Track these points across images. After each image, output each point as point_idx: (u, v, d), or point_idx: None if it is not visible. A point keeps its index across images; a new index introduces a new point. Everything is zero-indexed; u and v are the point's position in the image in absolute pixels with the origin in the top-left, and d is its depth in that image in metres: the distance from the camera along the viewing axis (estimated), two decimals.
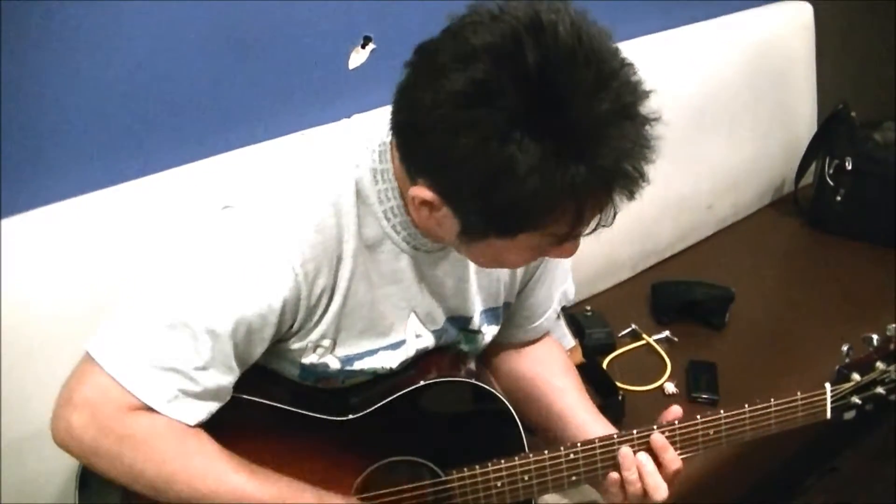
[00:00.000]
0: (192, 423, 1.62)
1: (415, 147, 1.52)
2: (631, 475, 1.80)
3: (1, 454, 1.95)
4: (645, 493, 1.80)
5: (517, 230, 1.49)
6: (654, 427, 1.82)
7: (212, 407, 1.65)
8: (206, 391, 1.62)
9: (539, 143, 1.36)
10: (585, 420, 2.00)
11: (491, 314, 1.98)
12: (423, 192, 1.51)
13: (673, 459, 1.80)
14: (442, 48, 1.43)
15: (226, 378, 1.64)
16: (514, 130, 1.35)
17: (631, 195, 1.44)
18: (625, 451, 1.81)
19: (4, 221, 1.97)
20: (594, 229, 1.54)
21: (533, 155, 1.36)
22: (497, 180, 1.39)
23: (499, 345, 2.14)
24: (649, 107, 1.43)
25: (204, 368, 1.60)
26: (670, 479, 1.81)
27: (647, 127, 1.43)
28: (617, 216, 1.51)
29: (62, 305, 1.97)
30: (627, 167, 1.40)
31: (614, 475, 1.81)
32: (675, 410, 1.86)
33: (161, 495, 1.62)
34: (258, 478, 1.64)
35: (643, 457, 1.80)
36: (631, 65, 1.43)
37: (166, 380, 1.58)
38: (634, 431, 1.82)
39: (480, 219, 1.49)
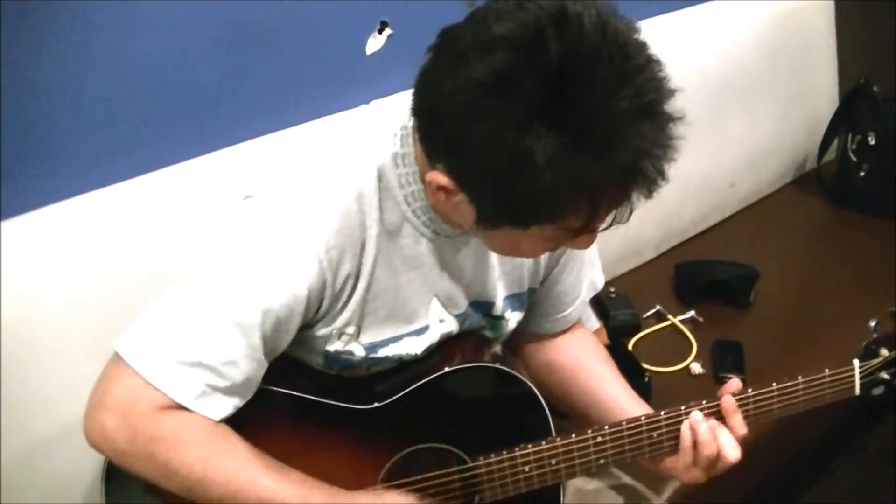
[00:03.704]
0: (219, 419, 1.63)
1: (433, 132, 1.51)
2: (706, 437, 1.79)
3: (1, 455, 1.95)
4: (718, 455, 1.79)
5: (530, 221, 1.48)
6: (682, 408, 1.81)
7: (238, 402, 1.65)
8: (234, 385, 1.62)
9: (556, 136, 1.34)
10: (629, 406, 2.00)
11: (515, 299, 1.97)
12: (439, 177, 1.51)
13: (740, 424, 1.81)
14: (464, 35, 1.42)
15: (254, 371, 1.64)
16: (532, 122, 1.34)
17: (649, 194, 1.43)
18: (696, 416, 1.80)
19: (5, 223, 1.95)
20: (609, 225, 1.54)
21: (549, 147, 1.34)
22: (512, 170, 1.38)
23: (531, 335, 2.14)
24: (673, 105, 1.41)
25: (232, 362, 1.60)
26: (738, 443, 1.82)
27: (670, 125, 1.40)
28: (634, 210, 1.51)
29: (64, 306, 1.96)
30: (646, 166, 1.38)
31: (687, 440, 1.80)
32: (736, 384, 1.85)
33: (193, 494, 1.62)
34: (288, 479, 1.65)
35: (713, 421, 1.80)
36: (658, 62, 1.41)
37: (194, 375, 1.58)
38: (662, 413, 1.82)
39: (494, 207, 1.49)
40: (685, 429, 1.81)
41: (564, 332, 2.16)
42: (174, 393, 1.58)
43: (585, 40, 1.34)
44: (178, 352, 1.58)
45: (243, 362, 1.61)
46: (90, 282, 2.01)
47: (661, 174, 1.40)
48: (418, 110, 1.53)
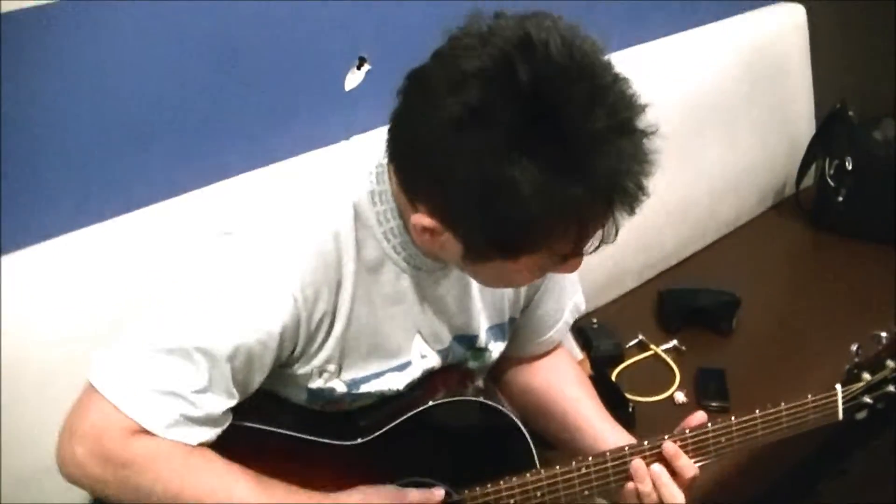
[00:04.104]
0: (194, 445, 1.62)
1: (413, 174, 1.52)
2: (645, 487, 1.79)
3: (1, 489, 1.94)
4: (661, 503, 1.79)
5: (520, 251, 1.49)
6: (666, 437, 1.81)
7: (210, 433, 1.64)
8: (207, 416, 1.61)
9: (536, 163, 1.35)
10: (602, 429, 2.00)
11: (497, 330, 1.97)
12: (423, 219, 1.51)
13: (687, 466, 1.79)
14: (434, 75, 1.43)
15: (225, 402, 1.64)
16: (511, 152, 1.35)
17: (631, 210, 1.44)
18: (637, 464, 1.80)
19: (4, 258, 1.97)
20: (598, 247, 1.54)
21: (531, 175, 1.35)
22: (497, 203, 1.39)
23: (509, 359, 2.13)
24: (646, 120, 1.42)
25: (203, 392, 1.59)
26: (686, 486, 1.81)
27: (645, 141, 1.41)
28: (620, 230, 1.51)
29: (62, 339, 1.97)
30: (627, 183, 1.39)
31: (630, 487, 1.81)
32: (700, 416, 1.85)
33: None
34: (268, 488, 1.64)
35: (657, 468, 1.79)
36: (625, 79, 1.42)
37: (167, 404, 1.58)
38: (646, 442, 1.81)
39: (483, 242, 1.49)
40: (629, 481, 1.82)
41: (543, 354, 2.16)
42: (146, 421, 1.57)
43: (553, 65, 1.36)
44: (150, 381, 1.57)
45: (215, 394, 1.61)
46: (87, 315, 2.02)
47: (642, 189, 1.41)
48: (395, 154, 1.54)
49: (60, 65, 1.98)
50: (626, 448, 1.81)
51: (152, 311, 1.65)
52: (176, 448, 1.60)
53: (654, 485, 1.79)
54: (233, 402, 1.65)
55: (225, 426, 1.67)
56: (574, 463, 1.81)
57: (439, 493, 1.78)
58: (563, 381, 2.12)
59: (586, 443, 1.98)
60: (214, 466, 1.63)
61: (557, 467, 1.81)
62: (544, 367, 2.16)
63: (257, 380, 1.69)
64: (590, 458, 1.81)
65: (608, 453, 1.81)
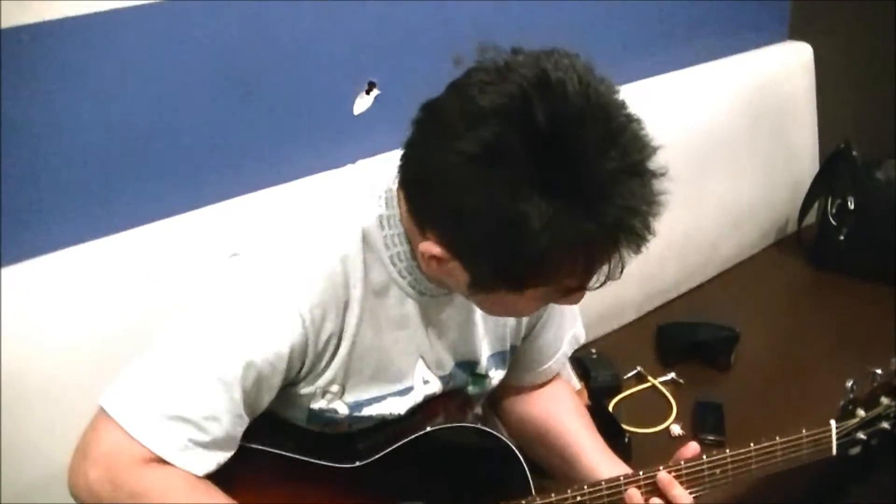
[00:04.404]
0: (201, 474, 1.62)
1: (424, 203, 1.54)
2: None
3: (1, 499, 1.95)
4: None
5: (526, 285, 1.50)
6: (661, 467, 1.82)
7: (220, 457, 1.65)
8: (216, 440, 1.62)
9: (549, 202, 1.37)
10: (599, 461, 2.01)
11: (498, 358, 1.98)
12: (432, 247, 1.53)
13: (681, 495, 1.80)
14: (449, 107, 1.45)
15: (235, 427, 1.65)
16: (524, 189, 1.37)
17: (638, 249, 1.46)
18: (632, 492, 1.81)
19: (5, 270, 1.99)
20: (603, 283, 1.56)
21: (543, 213, 1.37)
22: (506, 238, 1.40)
23: (508, 388, 2.14)
24: (656, 162, 1.44)
25: (214, 418, 1.60)
26: None
27: (654, 182, 1.43)
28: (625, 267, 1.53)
29: (62, 354, 1.98)
30: (635, 223, 1.41)
31: None
32: (693, 447, 1.86)
33: None
34: None
35: (655, 500, 1.80)
36: (638, 120, 1.44)
37: (176, 429, 1.59)
38: (641, 473, 1.82)
39: (490, 273, 1.50)
40: None
41: (542, 384, 2.17)
42: (156, 447, 1.58)
43: (570, 105, 1.37)
44: (160, 406, 1.58)
45: (224, 417, 1.61)
46: (87, 328, 2.04)
47: (649, 229, 1.43)
48: (407, 182, 1.55)
49: (64, 80, 2.00)
50: (622, 478, 1.83)
51: (163, 334, 1.66)
52: (184, 484, 1.60)
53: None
54: (242, 427, 1.67)
55: (233, 450, 1.68)
56: (570, 491, 1.82)
57: None
58: (561, 412, 2.13)
59: (582, 473, 1.99)
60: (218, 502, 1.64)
61: (553, 495, 1.82)
62: (543, 396, 2.17)
63: (266, 400, 1.70)
64: (585, 487, 1.82)
65: (603, 482, 1.82)
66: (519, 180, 1.37)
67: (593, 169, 1.37)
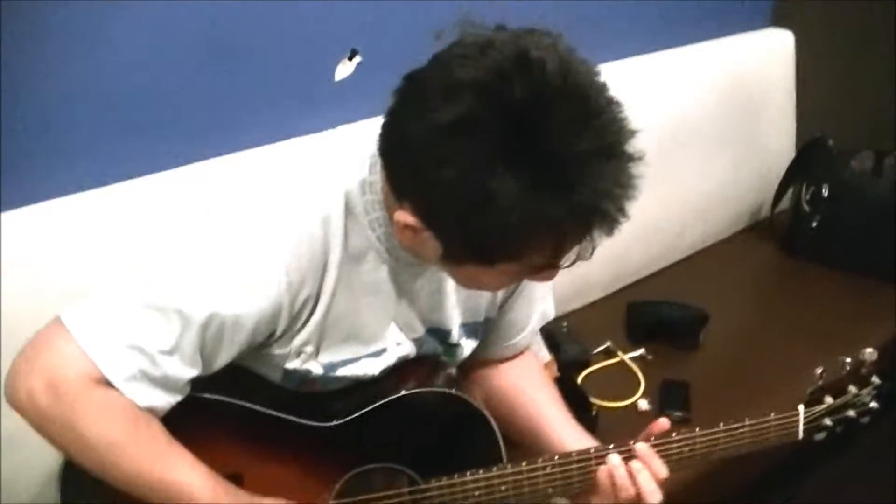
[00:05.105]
0: (143, 405, 1.62)
1: (400, 173, 1.54)
2: (624, 481, 1.80)
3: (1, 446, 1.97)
4: (639, 497, 1.81)
5: (495, 259, 1.51)
6: (631, 442, 1.84)
7: (166, 398, 1.65)
8: (166, 378, 1.62)
9: (519, 178, 1.37)
10: (565, 432, 2.03)
11: (470, 328, 2.00)
12: (406, 216, 1.53)
13: (659, 469, 1.81)
14: (429, 79, 1.45)
15: (187, 371, 1.64)
16: (496, 164, 1.37)
17: (610, 232, 1.46)
18: (614, 457, 1.82)
19: (4, 215, 2.00)
20: (573, 262, 1.57)
21: (513, 189, 1.37)
22: (477, 212, 1.40)
23: (478, 361, 2.16)
24: (634, 145, 1.44)
25: (169, 353, 1.60)
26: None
27: (630, 165, 1.43)
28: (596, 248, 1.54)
29: (61, 299, 1.99)
30: (608, 206, 1.41)
31: (605, 482, 1.81)
32: (663, 423, 1.87)
33: (104, 473, 1.62)
34: (200, 475, 1.65)
35: (636, 463, 1.81)
36: (618, 103, 1.44)
37: (130, 358, 1.59)
38: (611, 446, 1.84)
39: (460, 246, 1.51)
40: (602, 472, 1.82)
41: (511, 357, 2.19)
42: (107, 370, 1.58)
43: (548, 84, 1.38)
44: (119, 332, 1.58)
45: (178, 358, 1.62)
46: (84, 274, 2.07)
47: (622, 212, 1.43)
48: (385, 150, 1.55)
49: (60, 31, 2.00)
50: (592, 450, 1.84)
51: (137, 270, 1.67)
52: (126, 411, 1.60)
53: (633, 479, 1.80)
54: (194, 373, 1.66)
55: (179, 398, 1.67)
56: (540, 461, 1.84)
57: None
58: (528, 385, 2.15)
59: (548, 445, 2.01)
60: (159, 441, 1.64)
61: (524, 463, 1.84)
62: (512, 370, 2.19)
63: (223, 357, 1.69)
64: (556, 457, 1.84)
65: (574, 454, 1.84)
66: (490, 155, 1.37)
67: (566, 149, 1.38)
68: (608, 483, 1.81)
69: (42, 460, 1.67)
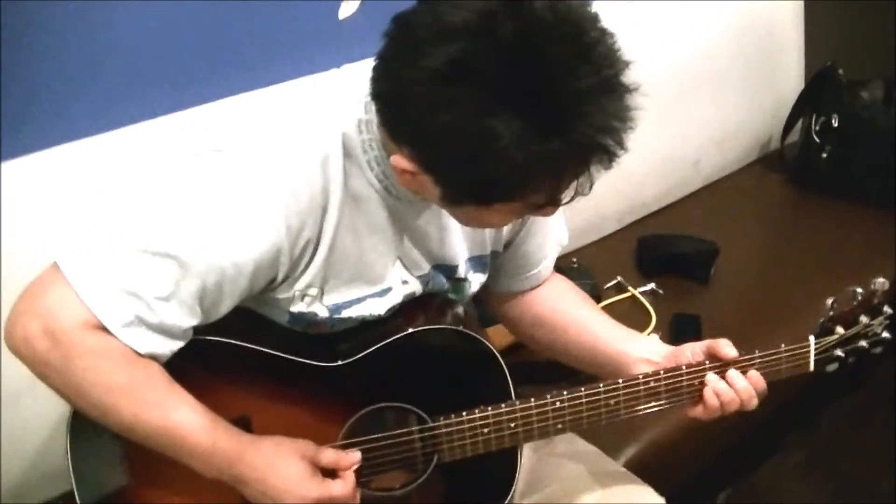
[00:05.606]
0: (143, 352, 1.61)
1: (394, 118, 1.52)
2: (728, 395, 1.86)
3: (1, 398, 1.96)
4: (741, 404, 1.87)
5: (495, 200, 1.50)
6: (640, 377, 1.86)
7: (167, 343, 1.64)
8: (163, 325, 1.61)
9: (517, 119, 1.36)
10: (615, 337, 2.06)
11: (477, 262, 1.99)
12: (403, 161, 1.52)
13: (757, 378, 1.89)
14: (419, 23, 1.43)
15: (185, 319, 1.63)
16: (492, 107, 1.36)
17: (609, 165, 1.45)
18: (712, 376, 1.88)
19: (4, 164, 1.99)
20: (572, 198, 1.56)
21: (511, 130, 1.36)
22: (475, 155, 1.40)
23: (506, 294, 2.17)
24: (629, 76, 1.43)
25: (166, 300, 1.59)
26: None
27: (628, 97, 1.42)
28: (595, 182, 1.53)
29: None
30: (607, 141, 1.40)
31: (712, 402, 1.87)
32: (725, 343, 1.91)
33: (103, 419, 1.62)
34: (200, 417, 1.64)
35: (733, 372, 1.87)
36: (611, 34, 1.42)
37: (126, 303, 1.57)
38: (620, 381, 1.85)
39: (459, 189, 1.51)
40: (710, 394, 1.86)
41: (539, 286, 2.18)
42: (103, 316, 1.57)
43: (539, 21, 1.36)
44: (116, 277, 1.57)
45: (175, 305, 1.60)
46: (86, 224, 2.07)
47: (621, 145, 1.42)
48: (378, 95, 1.53)
49: None
50: (602, 385, 1.85)
51: (134, 208, 1.65)
52: (124, 355, 1.59)
53: (735, 388, 1.86)
54: (193, 321, 1.65)
55: (181, 343, 1.67)
56: (549, 396, 1.84)
57: (355, 456, 1.79)
58: (569, 305, 2.15)
59: (604, 355, 2.03)
60: (158, 384, 1.63)
61: (532, 400, 1.84)
62: (548, 295, 2.17)
63: (225, 306, 1.68)
64: (565, 393, 1.84)
65: (584, 389, 1.84)
66: (486, 97, 1.36)
67: (564, 86, 1.37)
68: (716, 401, 1.86)
69: (46, 415, 1.67)
